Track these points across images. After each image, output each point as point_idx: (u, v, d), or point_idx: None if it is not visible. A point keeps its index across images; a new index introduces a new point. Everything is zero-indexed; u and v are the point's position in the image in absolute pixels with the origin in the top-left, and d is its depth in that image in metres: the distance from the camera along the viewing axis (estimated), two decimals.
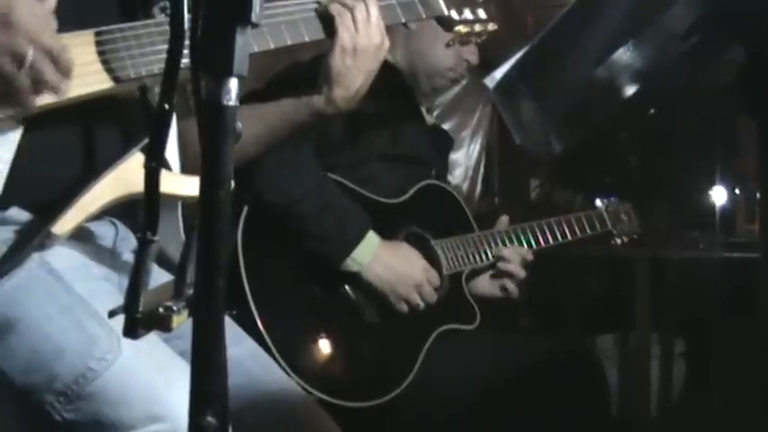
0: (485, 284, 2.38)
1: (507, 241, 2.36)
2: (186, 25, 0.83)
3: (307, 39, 1.54)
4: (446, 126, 3.27)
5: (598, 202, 2.66)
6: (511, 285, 2.35)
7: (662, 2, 1.48)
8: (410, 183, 2.29)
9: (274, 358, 1.78)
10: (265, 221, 2.01)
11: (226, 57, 0.81)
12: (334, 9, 1.56)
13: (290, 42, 1.52)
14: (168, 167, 1.41)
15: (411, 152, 2.31)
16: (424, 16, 1.74)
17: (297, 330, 2.00)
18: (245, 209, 2.01)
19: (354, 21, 1.55)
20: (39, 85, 1.20)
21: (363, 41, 1.56)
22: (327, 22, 1.58)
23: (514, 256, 2.34)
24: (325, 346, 2.04)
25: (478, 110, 3.88)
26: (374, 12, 1.58)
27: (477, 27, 1.82)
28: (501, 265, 2.34)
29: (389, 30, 1.69)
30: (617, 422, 3.28)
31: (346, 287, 2.09)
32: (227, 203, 0.82)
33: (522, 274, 2.35)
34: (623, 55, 1.60)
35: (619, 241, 2.65)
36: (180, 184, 1.34)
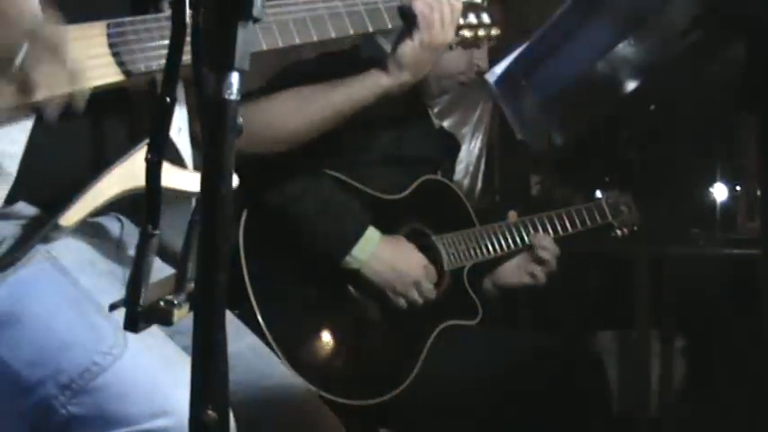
0: (511, 273, 2.40)
1: (508, 235, 2.36)
2: (188, 19, 0.84)
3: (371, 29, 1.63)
4: (447, 122, 3.28)
5: (598, 194, 2.66)
6: (540, 273, 2.36)
7: None
8: (413, 181, 2.30)
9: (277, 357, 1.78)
10: (265, 221, 2.01)
11: (228, 51, 0.81)
12: (419, 7, 1.69)
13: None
14: (183, 164, 1.41)
15: (417, 153, 2.32)
16: None
17: (298, 329, 2.01)
18: (246, 210, 2.01)
19: (436, 20, 1.70)
20: (30, 80, 1.19)
21: (440, 39, 1.72)
22: (410, 15, 1.70)
23: (552, 246, 2.37)
24: (326, 344, 2.04)
25: (479, 106, 3.87)
26: (456, 12, 1.73)
27: (481, 32, 1.84)
28: (540, 252, 2.35)
29: None
30: (617, 419, 3.28)
31: (347, 285, 2.09)
32: (229, 198, 0.82)
33: (554, 265, 2.37)
34: (624, 50, 1.61)
35: (619, 233, 2.65)
36: (190, 180, 1.34)
